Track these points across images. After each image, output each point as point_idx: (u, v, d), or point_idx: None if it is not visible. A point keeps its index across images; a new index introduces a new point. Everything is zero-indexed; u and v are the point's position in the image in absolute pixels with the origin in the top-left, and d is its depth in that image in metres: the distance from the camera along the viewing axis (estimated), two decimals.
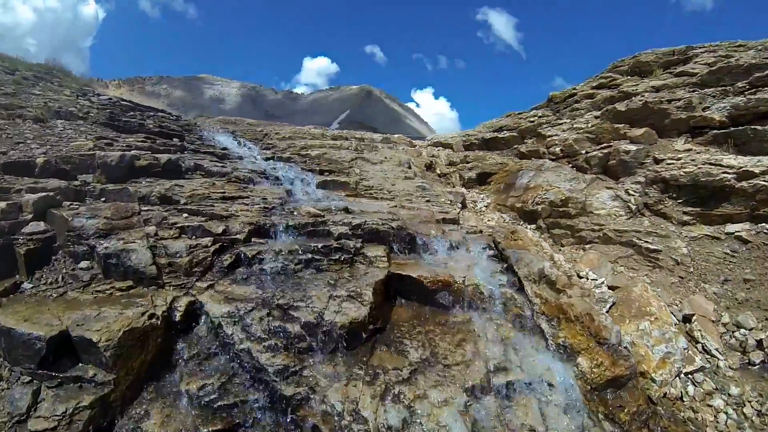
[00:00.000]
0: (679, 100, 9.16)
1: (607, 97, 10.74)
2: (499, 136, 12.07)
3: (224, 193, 5.26)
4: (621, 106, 9.78)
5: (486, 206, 9.60)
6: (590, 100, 11.22)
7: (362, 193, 7.63)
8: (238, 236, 4.28)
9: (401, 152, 10.51)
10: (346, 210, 5.35)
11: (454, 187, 10.28)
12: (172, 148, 7.14)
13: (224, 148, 9.05)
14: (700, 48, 10.56)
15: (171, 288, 3.71)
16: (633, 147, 8.63)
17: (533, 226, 8.62)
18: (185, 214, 4.53)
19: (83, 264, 3.95)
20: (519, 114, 12.81)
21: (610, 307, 5.03)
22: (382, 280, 4.02)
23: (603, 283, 5.79)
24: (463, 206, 9.05)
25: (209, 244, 4.07)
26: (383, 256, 4.45)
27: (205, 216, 4.54)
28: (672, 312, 5.71)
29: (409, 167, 9.54)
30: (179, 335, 3.42)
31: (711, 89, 9.17)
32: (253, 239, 4.37)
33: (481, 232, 6.06)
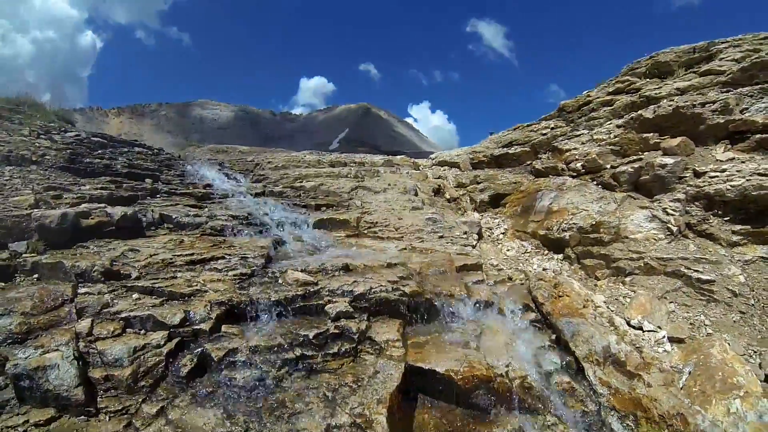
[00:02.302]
0: (714, 102, 8.13)
1: (627, 103, 9.73)
2: (510, 152, 11.05)
3: (192, 254, 4.21)
4: (647, 113, 8.74)
5: (503, 233, 8.54)
6: (609, 108, 10.22)
7: (365, 232, 6.57)
8: (202, 326, 3.20)
9: (405, 176, 9.49)
10: (346, 268, 4.26)
11: (465, 212, 9.23)
12: (141, 192, 6.14)
13: (207, 185, 8.08)
14: (722, 43, 9.63)
15: (107, 418, 2.64)
16: (669, 159, 7.55)
17: (560, 255, 7.55)
18: (135, 294, 3.47)
19: None
20: (528, 126, 11.81)
21: (686, 380, 3.92)
22: (398, 386, 2.93)
23: (664, 337, 4.67)
24: (480, 236, 8.00)
25: (162, 343, 3.01)
26: (396, 340, 3.35)
27: (161, 296, 3.48)
28: (752, 370, 4.60)
29: (416, 194, 8.51)
30: None
31: (746, 88, 8.17)
32: (223, 328, 3.28)
33: (510, 279, 5.00)
